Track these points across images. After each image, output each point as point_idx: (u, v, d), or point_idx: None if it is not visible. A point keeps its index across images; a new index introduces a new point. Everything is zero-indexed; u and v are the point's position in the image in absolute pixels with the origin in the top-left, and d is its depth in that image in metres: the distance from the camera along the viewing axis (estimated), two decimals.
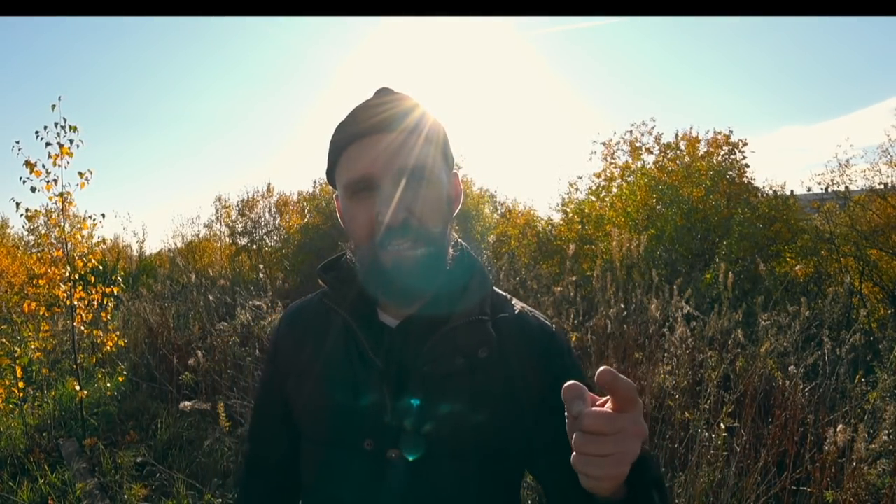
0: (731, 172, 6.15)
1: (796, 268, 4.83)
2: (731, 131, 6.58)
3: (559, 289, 3.24)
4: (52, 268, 3.96)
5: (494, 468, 0.77)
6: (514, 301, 0.84)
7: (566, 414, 0.52)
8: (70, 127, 3.66)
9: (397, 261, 0.70)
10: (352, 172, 0.72)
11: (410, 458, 0.73)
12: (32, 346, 4.59)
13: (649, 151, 7.13)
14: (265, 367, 0.91)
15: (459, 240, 0.82)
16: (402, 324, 0.77)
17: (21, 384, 4.02)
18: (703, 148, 6.67)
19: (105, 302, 4.21)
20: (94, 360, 4.59)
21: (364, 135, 0.71)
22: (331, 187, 0.83)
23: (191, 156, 26.29)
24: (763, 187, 6.26)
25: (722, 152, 6.53)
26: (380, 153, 0.70)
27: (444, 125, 0.78)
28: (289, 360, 0.84)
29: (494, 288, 0.85)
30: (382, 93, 0.76)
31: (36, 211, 3.75)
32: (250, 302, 3.91)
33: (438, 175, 0.74)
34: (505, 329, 0.78)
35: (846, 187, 6.21)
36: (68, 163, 3.74)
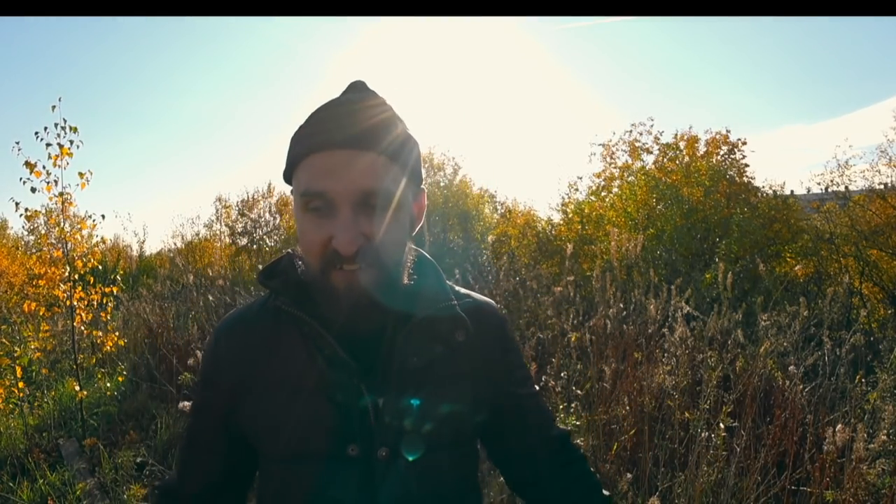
0: (730, 172, 6.15)
1: (796, 268, 4.84)
2: (728, 131, 6.59)
3: (559, 289, 3.25)
4: (52, 268, 3.96)
5: (469, 448, 0.79)
6: (457, 287, 0.84)
7: None
8: (70, 128, 3.66)
9: (349, 282, 0.66)
10: (311, 184, 0.66)
11: (408, 456, 0.70)
12: (32, 346, 4.59)
13: (648, 151, 7.14)
14: (200, 393, 0.81)
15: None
16: None
17: (21, 384, 4.02)
18: (702, 148, 6.68)
19: (105, 302, 4.21)
20: (94, 360, 4.59)
21: (330, 147, 0.66)
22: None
23: (192, 156, 26.33)
24: (763, 187, 6.27)
25: (721, 152, 6.53)
26: (343, 172, 0.65)
27: (415, 137, 0.73)
28: (239, 379, 0.75)
29: None
30: (356, 95, 0.70)
31: (35, 211, 3.75)
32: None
33: (403, 199, 0.69)
34: (469, 313, 0.77)
35: (846, 187, 6.22)
36: (68, 163, 3.73)
